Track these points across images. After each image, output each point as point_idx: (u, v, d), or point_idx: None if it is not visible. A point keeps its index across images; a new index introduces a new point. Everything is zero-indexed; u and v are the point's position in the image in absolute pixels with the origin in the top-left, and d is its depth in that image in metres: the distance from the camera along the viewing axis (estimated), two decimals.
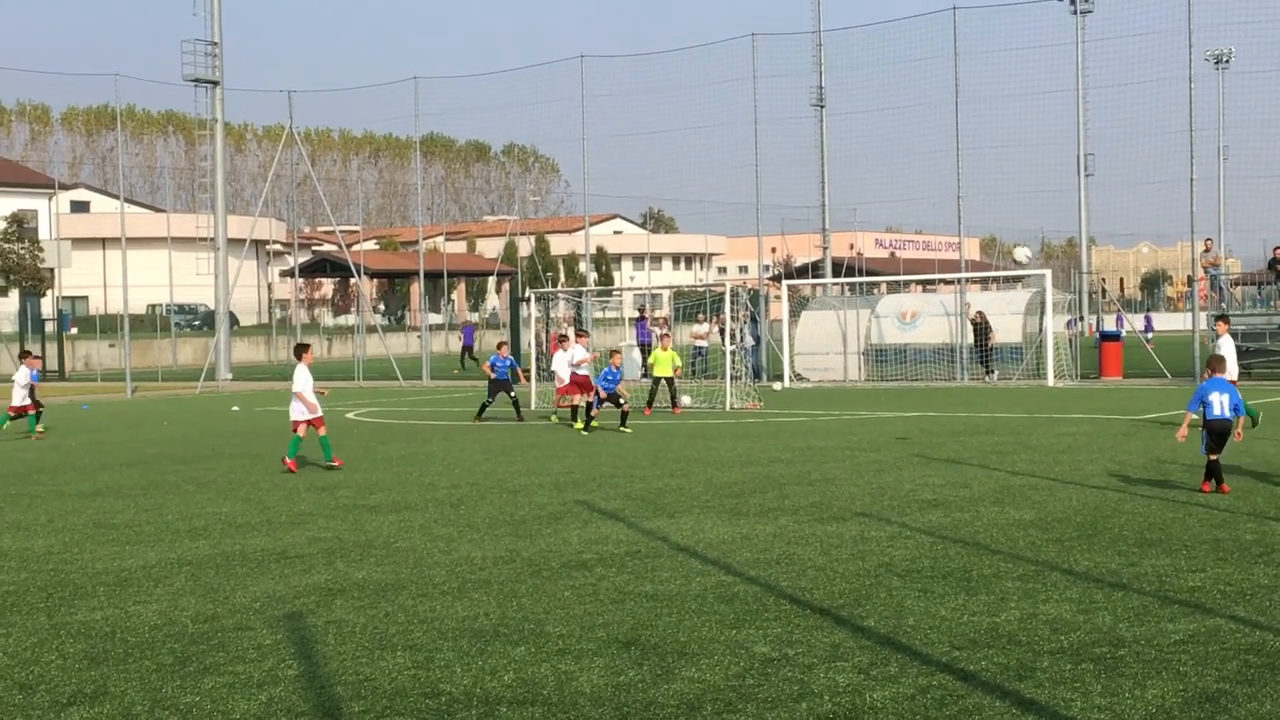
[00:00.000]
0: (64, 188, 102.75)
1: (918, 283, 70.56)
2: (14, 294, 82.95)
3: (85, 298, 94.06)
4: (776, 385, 41.97)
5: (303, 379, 21.10)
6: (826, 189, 49.68)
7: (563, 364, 29.22)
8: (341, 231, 72.26)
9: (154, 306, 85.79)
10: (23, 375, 29.37)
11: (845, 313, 45.10)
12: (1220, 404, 15.94)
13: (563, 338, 32.32)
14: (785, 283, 49.65)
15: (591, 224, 60.47)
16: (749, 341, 41.28)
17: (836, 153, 49.73)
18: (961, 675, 8.16)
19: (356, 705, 7.84)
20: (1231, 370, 20.18)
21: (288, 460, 20.64)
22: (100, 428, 32.01)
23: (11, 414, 29.24)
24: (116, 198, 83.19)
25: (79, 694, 8.23)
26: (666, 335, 35.85)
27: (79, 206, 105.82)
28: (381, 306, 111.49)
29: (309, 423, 21.00)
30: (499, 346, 32.15)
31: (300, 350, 21.77)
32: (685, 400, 34.14)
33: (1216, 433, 15.86)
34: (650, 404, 32.38)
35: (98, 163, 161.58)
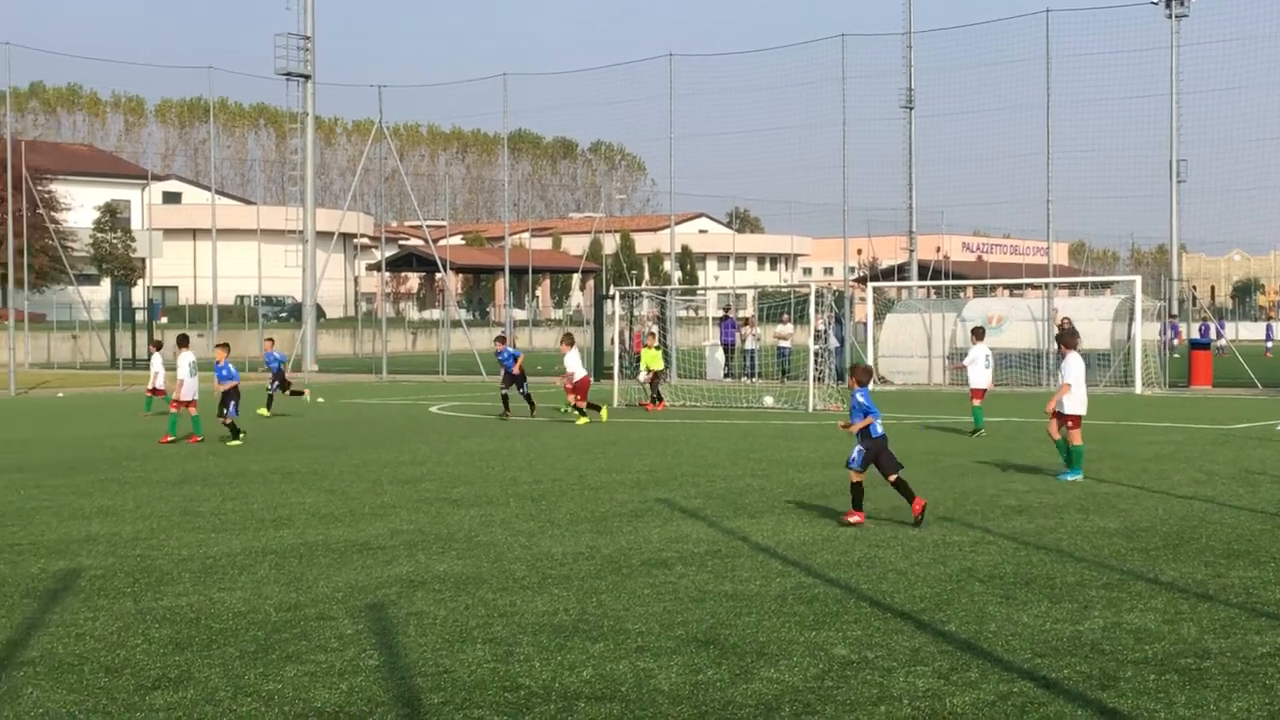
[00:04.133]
0: (156, 179, 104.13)
1: (1005, 287, 69.93)
2: (106, 283, 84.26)
3: (175, 287, 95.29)
4: None
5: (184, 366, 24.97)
6: (914, 191, 49.42)
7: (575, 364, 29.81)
8: (428, 226, 72.73)
9: (242, 297, 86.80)
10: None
11: (930, 316, 44.80)
12: None
13: (650, 334, 32.88)
14: (870, 284, 49.39)
15: (677, 223, 60.44)
16: (833, 343, 41.11)
17: (924, 155, 49.58)
18: (1043, 683, 8.07)
19: (436, 697, 7.89)
20: None
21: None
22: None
23: (156, 398, 30.58)
24: (208, 189, 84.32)
25: (163, 678, 8.33)
26: (653, 334, 36.27)
27: (171, 197, 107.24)
28: (466, 301, 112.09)
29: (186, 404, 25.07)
30: (497, 340, 33.39)
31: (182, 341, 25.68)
32: (768, 400, 34.11)
33: None
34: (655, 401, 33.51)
35: (190, 155, 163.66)
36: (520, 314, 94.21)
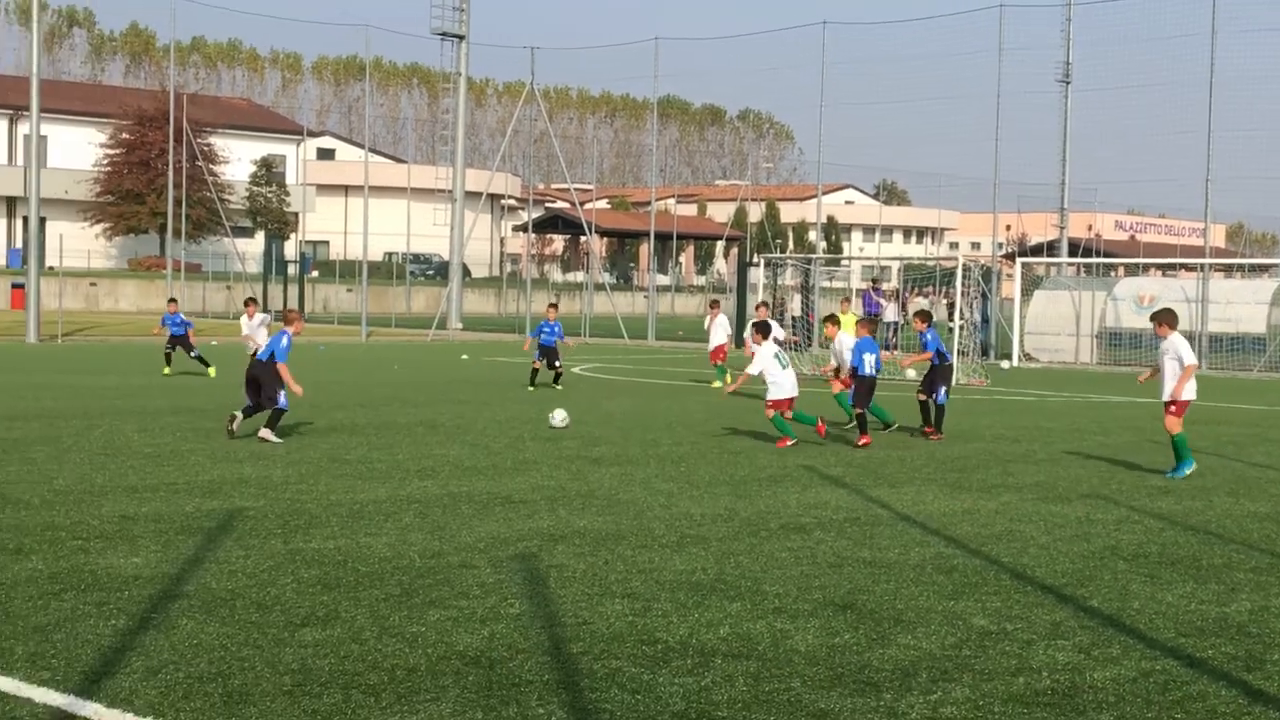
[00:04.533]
0: (311, 135, 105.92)
1: (1158, 267, 68.56)
2: (260, 235, 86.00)
3: (326, 242, 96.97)
4: (1004, 364, 41.28)
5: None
6: (1067, 167, 48.55)
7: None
8: (575, 189, 73.09)
9: (390, 254, 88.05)
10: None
11: (1080, 294, 44.08)
12: None
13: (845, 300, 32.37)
14: (1019, 260, 48.70)
15: (824, 193, 60.12)
16: (977, 318, 40.65)
17: (1079, 130, 48.71)
18: (1187, 661, 7.97)
19: (575, 646, 8.00)
20: None
21: None
22: (336, 368, 33.05)
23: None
24: (361, 147, 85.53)
25: (311, 616, 8.55)
26: (847, 300, 35.77)
27: (325, 154, 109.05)
28: (609, 265, 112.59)
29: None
30: (550, 308, 29.84)
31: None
32: (910, 374, 33.83)
33: None
34: None
35: (344, 112, 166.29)
36: (663, 279, 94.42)
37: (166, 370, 30.11)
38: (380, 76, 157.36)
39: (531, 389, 27.16)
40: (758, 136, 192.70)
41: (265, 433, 17.75)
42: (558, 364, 28.39)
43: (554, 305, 30.71)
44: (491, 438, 18.68)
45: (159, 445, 16.96)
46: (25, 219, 62.82)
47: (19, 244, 79.36)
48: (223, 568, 9.87)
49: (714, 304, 32.28)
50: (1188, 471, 16.03)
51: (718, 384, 28.27)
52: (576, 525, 11.98)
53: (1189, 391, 16.30)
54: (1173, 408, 16.30)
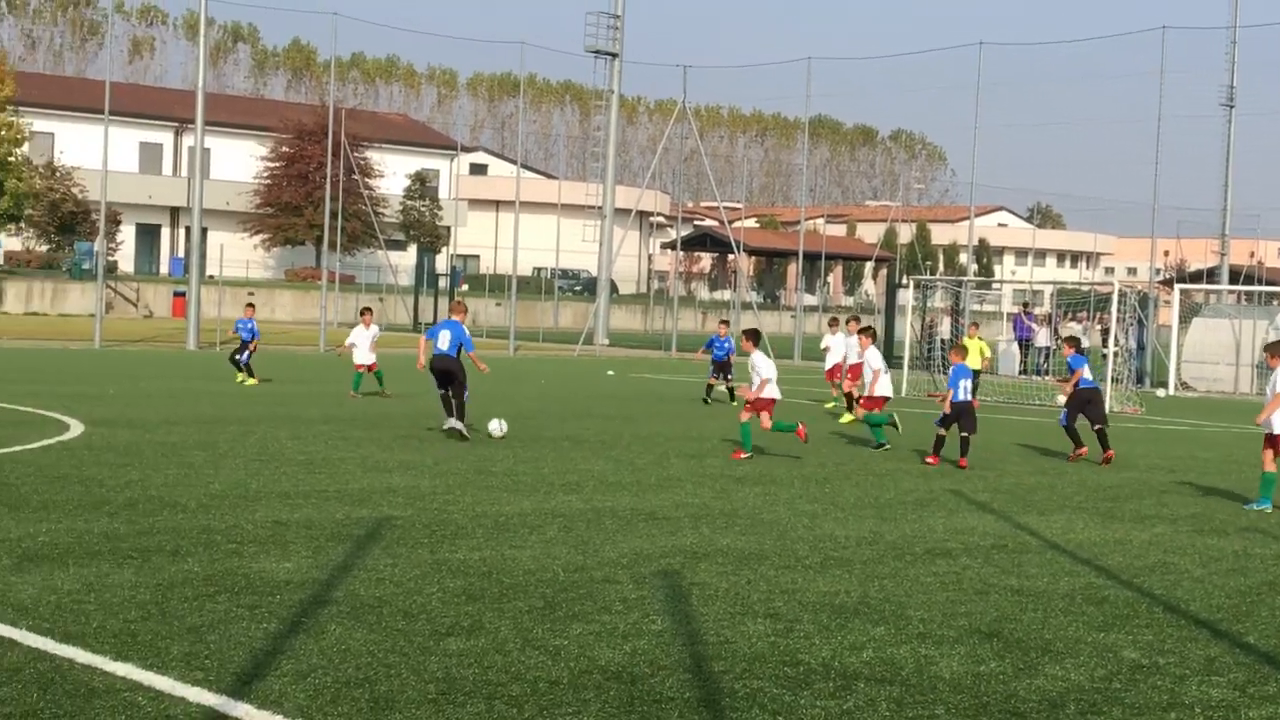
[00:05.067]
0: (465, 150, 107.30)
1: None
2: (412, 249, 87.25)
3: (477, 256, 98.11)
4: (1160, 392, 40.45)
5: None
6: (1229, 192, 47.50)
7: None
8: (724, 207, 73.12)
9: (539, 269, 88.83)
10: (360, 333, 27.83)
11: (1240, 322, 43.01)
12: None
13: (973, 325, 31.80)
14: (1177, 287, 47.69)
15: (976, 215, 59.43)
16: (1133, 345, 39.88)
17: (1243, 154, 47.61)
18: None
19: (717, 665, 7.99)
20: None
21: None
22: (483, 381, 33.37)
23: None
24: (513, 162, 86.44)
25: (456, 626, 8.64)
26: (975, 325, 35.19)
27: (477, 169, 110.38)
28: (757, 284, 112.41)
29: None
30: (721, 324, 30.01)
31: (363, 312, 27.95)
32: (1061, 399, 33.27)
33: None
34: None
35: (497, 128, 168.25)
36: (811, 299, 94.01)
37: (250, 380, 29.20)
38: (534, 93, 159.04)
39: (705, 403, 28.49)
40: (909, 157, 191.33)
41: (458, 425, 19.60)
42: (729, 378, 28.99)
43: (725, 322, 31.11)
44: (636, 453, 18.74)
45: (311, 453, 17.29)
46: (188, 229, 64.45)
47: (181, 253, 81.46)
48: (371, 575, 10.02)
49: (833, 321, 31.62)
50: (1258, 508, 15.49)
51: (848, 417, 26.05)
52: (719, 543, 11.97)
53: (1273, 424, 15.50)
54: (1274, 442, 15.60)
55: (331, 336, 46.75)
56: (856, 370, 25.64)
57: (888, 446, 20.55)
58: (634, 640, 8.46)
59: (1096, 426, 20.37)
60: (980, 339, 32.73)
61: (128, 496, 13.19)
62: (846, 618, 9.31)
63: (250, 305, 32.87)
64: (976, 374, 30.43)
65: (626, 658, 8.06)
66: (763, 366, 19.14)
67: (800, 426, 19.48)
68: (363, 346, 27.34)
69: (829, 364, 29.63)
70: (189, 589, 9.36)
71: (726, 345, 28.81)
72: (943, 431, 19.37)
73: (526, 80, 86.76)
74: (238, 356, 29.56)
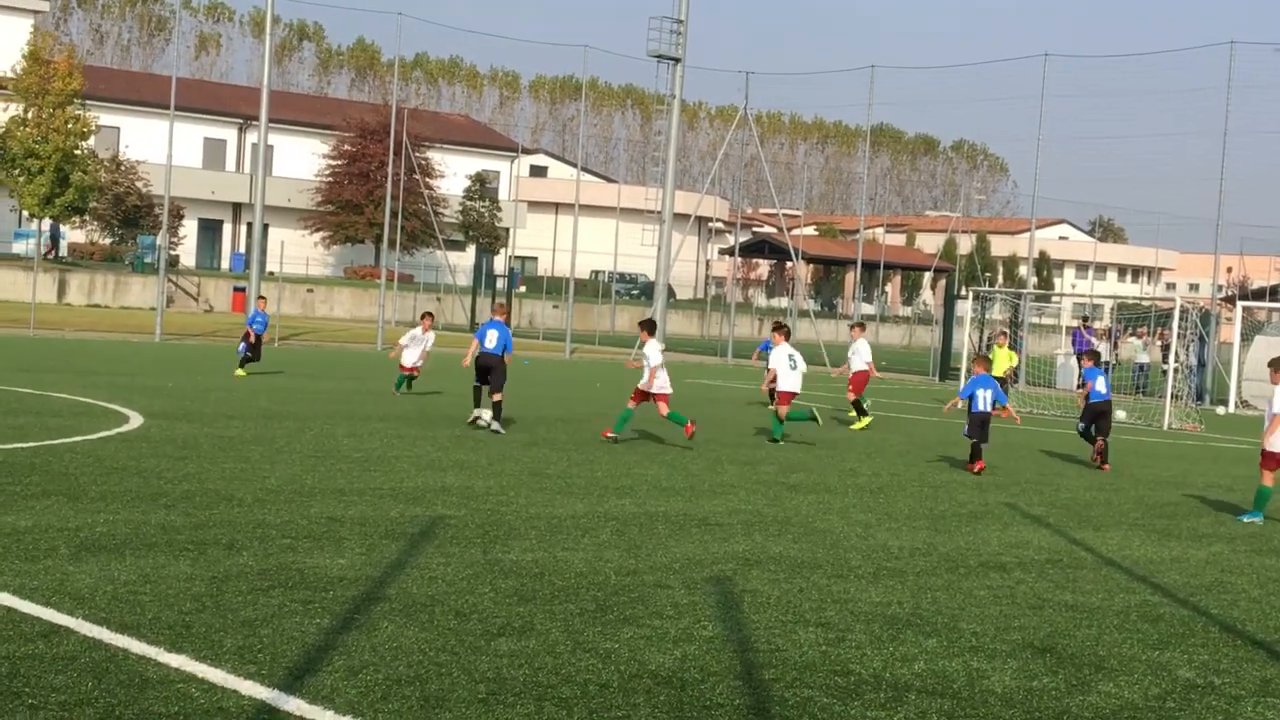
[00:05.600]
0: (525, 152, 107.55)
1: None
2: (471, 249, 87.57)
3: (535, 258, 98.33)
4: (1220, 410, 40.06)
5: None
6: None
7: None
8: (783, 215, 72.99)
9: (597, 273, 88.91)
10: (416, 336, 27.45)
11: None
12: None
13: (1002, 334, 31.31)
14: (1239, 304, 47.21)
15: (1037, 227, 59.07)
16: (1193, 361, 39.50)
17: None
18: None
19: (767, 673, 7.97)
20: None
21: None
22: (540, 383, 33.46)
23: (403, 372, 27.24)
24: (573, 165, 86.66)
25: (507, 627, 8.66)
26: (1004, 334, 35.09)
27: (537, 171, 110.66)
28: (815, 292, 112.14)
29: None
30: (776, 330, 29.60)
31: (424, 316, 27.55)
32: (1120, 415, 33.04)
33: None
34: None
35: (558, 130, 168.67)
36: (868, 308, 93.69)
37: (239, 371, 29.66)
38: (595, 97, 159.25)
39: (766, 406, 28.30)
40: (971, 168, 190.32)
41: (495, 424, 20.44)
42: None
43: (779, 325, 30.44)
44: (689, 459, 18.73)
45: (367, 450, 17.38)
46: (250, 225, 64.95)
47: (242, 249, 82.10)
48: (423, 574, 10.06)
49: (857, 326, 30.45)
50: (1247, 520, 15.85)
51: (861, 423, 25.94)
52: (772, 551, 11.94)
53: (1273, 443, 15.62)
54: (1271, 459, 15.78)
55: (389, 335, 46.96)
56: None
57: (782, 442, 21.44)
58: (684, 645, 8.45)
59: (1099, 438, 21.17)
60: (1008, 349, 32.87)
61: (184, 489, 13.30)
62: (899, 629, 9.27)
63: (262, 298, 34.55)
64: (1002, 383, 30.09)
65: (677, 663, 8.05)
66: (653, 357, 20.31)
67: (689, 424, 20.34)
68: (414, 349, 27.12)
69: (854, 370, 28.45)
70: (243, 583, 9.42)
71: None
72: (973, 439, 19.55)
73: (588, 83, 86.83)
74: (242, 349, 30.49)
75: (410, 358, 27.03)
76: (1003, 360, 32.42)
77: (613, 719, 6.96)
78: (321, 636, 8.15)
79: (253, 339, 30.42)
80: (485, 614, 8.96)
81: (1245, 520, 15.92)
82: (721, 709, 7.22)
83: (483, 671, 7.62)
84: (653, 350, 20.47)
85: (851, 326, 27.71)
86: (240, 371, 29.66)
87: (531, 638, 8.42)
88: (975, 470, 19.19)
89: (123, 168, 73.91)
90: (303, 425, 19.91)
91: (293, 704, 6.89)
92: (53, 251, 68.91)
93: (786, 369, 21.97)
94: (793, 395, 21.82)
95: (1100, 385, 21.31)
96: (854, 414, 26.01)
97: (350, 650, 7.88)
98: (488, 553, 11.03)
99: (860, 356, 26.56)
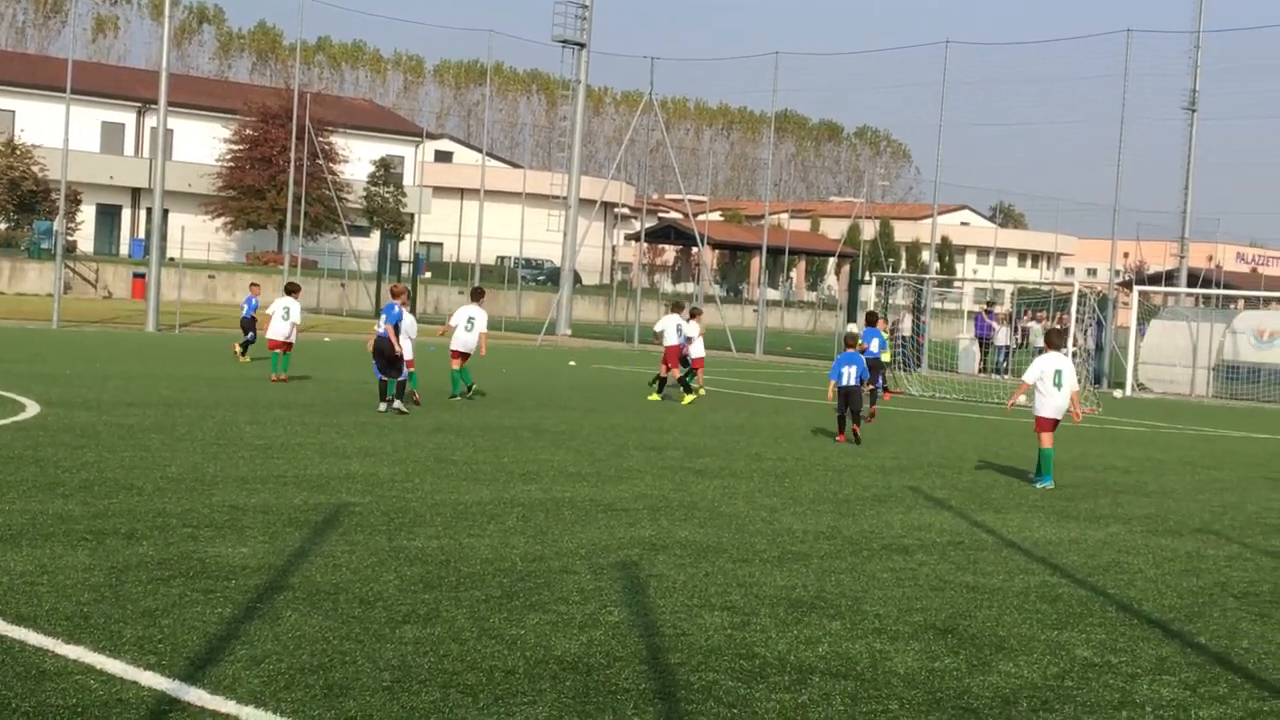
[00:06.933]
0: (430, 137, 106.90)
1: (1279, 301, 67.15)
2: (376, 235, 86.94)
3: (440, 244, 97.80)
4: (1117, 393, 40.72)
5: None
6: (1190, 196, 47.79)
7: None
8: (689, 200, 73.14)
9: (503, 258, 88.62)
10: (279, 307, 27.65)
11: (1197, 325, 43.32)
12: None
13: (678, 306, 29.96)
14: (1136, 289, 47.99)
15: (939, 213, 59.67)
16: (1091, 346, 40.10)
17: (1204, 159, 48.02)
18: None
19: (673, 657, 8.00)
20: None
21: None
22: (445, 369, 33.28)
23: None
24: (478, 150, 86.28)
25: (413, 614, 8.62)
26: (883, 320, 35.63)
27: (442, 156, 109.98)
28: (720, 278, 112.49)
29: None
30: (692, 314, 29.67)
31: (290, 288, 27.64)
32: (1021, 399, 33.47)
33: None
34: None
35: (463, 115, 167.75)
36: (774, 294, 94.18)
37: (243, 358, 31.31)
38: (500, 82, 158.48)
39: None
40: (874, 154, 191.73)
41: (398, 403, 21.08)
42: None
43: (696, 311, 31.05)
44: (596, 444, 18.74)
45: (270, 438, 17.21)
46: (149, 210, 64.01)
47: (142, 234, 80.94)
48: (327, 562, 9.99)
49: (676, 306, 30.14)
50: (1040, 486, 17.05)
51: (689, 398, 27.11)
52: (678, 536, 11.98)
53: (1039, 408, 17.54)
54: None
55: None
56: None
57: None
58: (590, 631, 8.46)
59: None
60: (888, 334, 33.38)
61: (83, 478, 13.10)
62: (803, 612, 9.34)
63: (255, 284, 35.83)
64: (885, 365, 30.87)
65: (583, 648, 8.06)
66: (409, 327, 22.15)
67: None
68: (283, 323, 27.12)
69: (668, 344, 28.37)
70: (143, 572, 9.31)
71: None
72: (841, 413, 21.37)
73: (493, 68, 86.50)
74: (247, 336, 31.99)
75: (280, 331, 27.03)
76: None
77: (518, 705, 6.95)
78: (223, 626, 8.07)
79: (249, 325, 32.28)
80: (390, 602, 8.92)
81: (1039, 486, 16.96)
82: (627, 694, 7.24)
83: (387, 659, 7.58)
84: (406, 321, 22.23)
85: (691, 312, 28.73)
86: (244, 358, 31.21)
87: (437, 625, 8.39)
88: (840, 440, 21.00)
89: (18, 152, 72.57)
90: (204, 413, 19.69)
91: (194, 694, 6.82)
92: None
93: (672, 336, 27.03)
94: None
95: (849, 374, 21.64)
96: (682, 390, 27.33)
97: (253, 639, 7.81)
98: (393, 540, 10.97)
99: (669, 332, 27.39)
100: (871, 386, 24.60)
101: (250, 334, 32.14)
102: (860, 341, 24.38)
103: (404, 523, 11.78)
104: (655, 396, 27.37)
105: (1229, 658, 8.79)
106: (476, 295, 26.04)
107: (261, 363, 27.96)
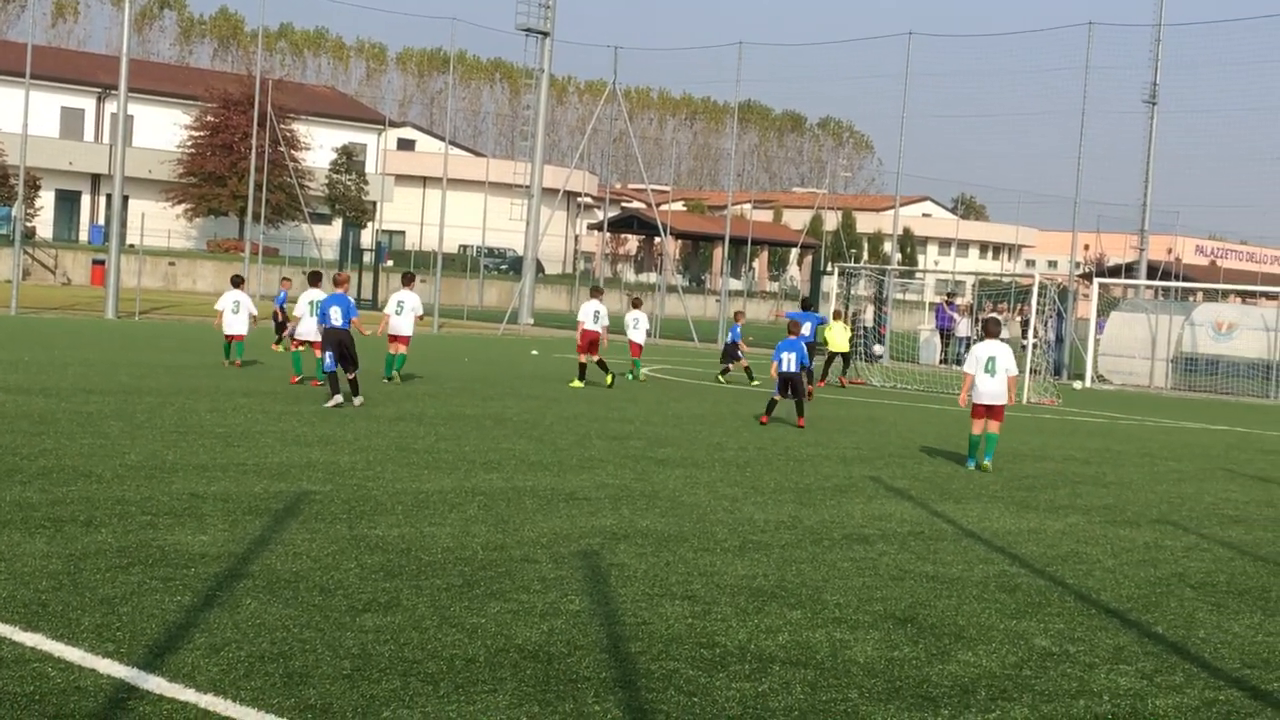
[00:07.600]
0: (393, 125, 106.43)
1: (1238, 293, 67.70)
2: (338, 223, 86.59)
3: (403, 232, 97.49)
4: (1077, 384, 40.96)
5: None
6: (1150, 189, 48.09)
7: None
8: (652, 190, 73.12)
9: (465, 247, 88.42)
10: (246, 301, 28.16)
11: (1157, 317, 43.62)
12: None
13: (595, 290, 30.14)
14: (1096, 281, 48.25)
15: (901, 204, 59.84)
16: (1051, 337, 40.34)
17: (1164, 152, 48.27)
18: (1252, 693, 7.87)
19: (634, 646, 8.01)
20: None
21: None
22: (408, 358, 33.19)
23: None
24: (441, 139, 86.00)
25: (373, 602, 8.60)
26: (838, 312, 36.31)
27: (405, 144, 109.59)
28: (683, 268, 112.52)
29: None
30: (736, 313, 34.40)
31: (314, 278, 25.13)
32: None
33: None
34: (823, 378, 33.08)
35: (426, 103, 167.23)
36: (736, 284, 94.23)
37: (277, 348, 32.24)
38: (463, 70, 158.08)
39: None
40: (837, 145, 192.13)
41: (356, 399, 20.72)
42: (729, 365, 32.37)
43: (739, 313, 35.61)
44: (558, 434, 18.73)
45: (230, 426, 17.14)
46: (109, 196, 63.54)
47: (102, 221, 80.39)
48: (288, 550, 9.96)
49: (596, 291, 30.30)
50: (971, 467, 17.90)
51: (578, 383, 27.72)
52: (639, 525, 11.99)
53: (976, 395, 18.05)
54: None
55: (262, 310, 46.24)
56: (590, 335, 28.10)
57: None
58: (551, 620, 8.46)
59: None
60: (844, 325, 33.93)
61: (41, 465, 13.02)
62: (763, 601, 9.36)
63: (286, 279, 36.73)
64: (836, 356, 31.94)
65: (544, 637, 8.06)
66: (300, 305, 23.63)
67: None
68: (240, 317, 27.58)
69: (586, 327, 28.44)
70: (102, 560, 9.26)
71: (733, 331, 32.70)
72: (777, 397, 22.36)
73: (456, 56, 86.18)
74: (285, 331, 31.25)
75: (238, 326, 27.41)
76: (840, 334, 33.24)
77: (479, 693, 6.95)
78: (182, 614, 8.03)
79: (280, 318, 33.04)
80: (350, 590, 8.89)
81: (970, 467, 17.84)
82: (588, 682, 7.24)
83: (348, 647, 7.56)
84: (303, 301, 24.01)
85: (634, 301, 32.02)
86: (278, 347, 32.23)
87: (397, 613, 8.38)
88: (764, 422, 21.95)
89: None
90: (164, 400, 19.58)
91: (153, 682, 6.79)
92: None
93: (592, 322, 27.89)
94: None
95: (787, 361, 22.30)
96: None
97: (212, 627, 7.78)
98: (353, 528, 10.94)
99: (594, 317, 28.08)
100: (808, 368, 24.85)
101: (287, 325, 31.11)
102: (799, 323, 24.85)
103: (365, 511, 11.75)
104: (578, 384, 27.55)
105: (1186, 647, 8.86)
106: (407, 280, 26.71)
107: (220, 351, 27.78)
